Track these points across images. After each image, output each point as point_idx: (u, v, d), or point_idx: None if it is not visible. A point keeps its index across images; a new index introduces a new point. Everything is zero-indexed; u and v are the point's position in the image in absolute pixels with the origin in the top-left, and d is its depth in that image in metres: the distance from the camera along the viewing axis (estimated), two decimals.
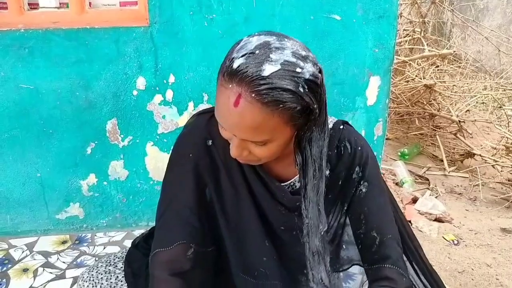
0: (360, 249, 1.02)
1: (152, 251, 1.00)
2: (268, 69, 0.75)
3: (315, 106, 0.81)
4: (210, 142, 1.00)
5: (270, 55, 0.76)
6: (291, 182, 1.03)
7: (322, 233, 0.91)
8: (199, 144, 1.00)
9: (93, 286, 1.11)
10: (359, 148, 1.00)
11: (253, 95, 0.75)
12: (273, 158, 0.90)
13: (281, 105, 0.76)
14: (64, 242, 1.87)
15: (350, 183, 1.00)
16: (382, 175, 1.11)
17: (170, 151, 1.02)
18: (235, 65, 0.76)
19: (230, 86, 0.77)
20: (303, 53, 0.78)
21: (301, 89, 0.77)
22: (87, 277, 1.17)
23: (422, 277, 1.15)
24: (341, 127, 1.01)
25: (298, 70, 0.76)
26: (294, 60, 0.76)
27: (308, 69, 0.77)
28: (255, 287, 1.04)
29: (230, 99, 0.77)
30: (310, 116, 0.82)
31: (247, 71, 0.75)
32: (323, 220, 0.91)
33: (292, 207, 1.02)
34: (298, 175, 1.02)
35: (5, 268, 1.70)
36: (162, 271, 0.96)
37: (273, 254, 1.04)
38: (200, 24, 1.70)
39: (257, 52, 0.76)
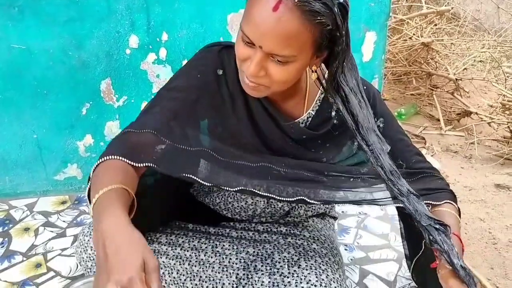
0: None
1: (123, 130, 0.98)
2: None
3: (343, 32, 0.83)
4: (220, 72, 1.02)
5: None
6: (298, 120, 1.05)
7: (387, 151, 0.95)
8: (210, 70, 1.02)
9: None
10: (365, 87, 1.01)
11: (295, 1, 0.77)
12: (282, 88, 0.91)
13: (318, 17, 0.79)
14: (63, 203, 1.90)
15: None
16: None
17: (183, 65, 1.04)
18: None
19: None
20: None
21: (336, 9, 0.80)
22: (87, 231, 1.20)
23: None
24: None
25: None
26: None
27: None
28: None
29: (269, 3, 0.78)
30: (336, 45, 0.85)
31: None
32: (384, 142, 0.95)
33: (299, 139, 1.04)
34: (302, 117, 1.04)
35: (6, 228, 1.73)
36: (122, 146, 0.93)
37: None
38: None
39: None
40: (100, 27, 1.68)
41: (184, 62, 1.76)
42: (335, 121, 1.05)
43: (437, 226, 0.89)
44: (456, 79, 3.32)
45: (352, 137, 1.02)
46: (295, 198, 0.99)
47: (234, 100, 1.03)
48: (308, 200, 0.99)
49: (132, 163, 0.90)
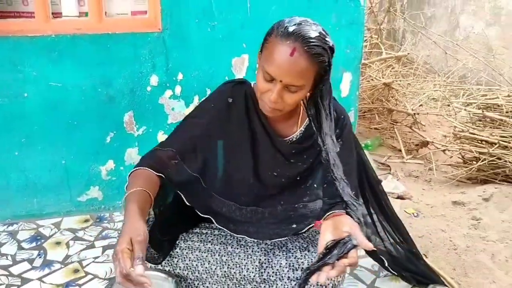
0: (325, 188, 1.36)
1: (155, 147, 1.36)
2: (313, 34, 1.12)
3: (331, 66, 1.19)
4: (230, 100, 1.36)
5: (312, 26, 1.13)
6: (290, 138, 1.39)
7: (335, 152, 1.27)
8: (223, 100, 1.37)
9: None
10: (342, 116, 1.37)
11: (305, 47, 1.12)
12: (292, 107, 1.26)
13: (320, 58, 1.14)
14: (86, 221, 2.14)
15: None
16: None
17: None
18: (290, 29, 1.12)
19: (288, 42, 1.12)
20: (327, 31, 1.17)
21: (329, 51, 1.15)
22: None
23: (379, 213, 1.64)
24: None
25: (327, 39, 1.15)
26: (324, 33, 1.15)
27: (330, 41, 1.16)
28: (232, 208, 1.39)
29: (287, 51, 1.12)
30: (325, 76, 1.20)
31: (300, 32, 1.11)
32: (336, 145, 1.28)
33: (288, 154, 1.38)
34: (295, 134, 1.39)
35: (39, 243, 1.96)
36: (150, 160, 1.30)
37: (255, 188, 1.39)
38: (204, 30, 2.03)
39: (303, 23, 1.13)
40: (126, 69, 2.01)
41: (196, 97, 2.11)
42: (316, 137, 1.37)
43: (353, 201, 1.24)
44: (414, 114, 3.80)
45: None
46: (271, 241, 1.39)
47: (240, 122, 1.38)
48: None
49: (153, 172, 1.26)
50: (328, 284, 1.29)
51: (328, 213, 1.24)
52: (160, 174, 1.27)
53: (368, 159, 1.61)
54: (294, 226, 1.37)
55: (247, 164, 1.38)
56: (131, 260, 0.99)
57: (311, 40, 1.11)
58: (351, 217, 1.20)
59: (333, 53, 1.19)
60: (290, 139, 1.39)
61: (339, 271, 1.06)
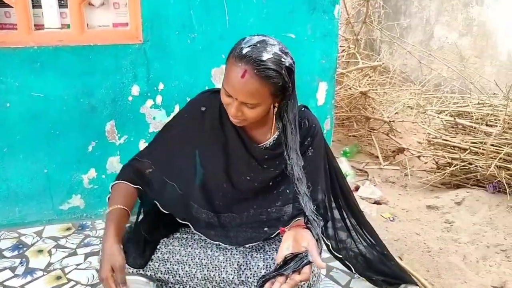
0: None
1: (134, 156, 1.47)
2: (265, 56, 1.19)
3: (290, 85, 1.25)
4: (203, 109, 1.44)
5: (267, 48, 1.20)
6: (263, 145, 1.46)
7: (300, 166, 1.33)
8: (196, 109, 1.45)
9: None
10: (314, 125, 1.45)
11: (255, 71, 1.19)
12: (256, 120, 1.32)
13: (271, 80, 1.20)
14: (68, 229, 2.17)
15: (302, 147, 1.42)
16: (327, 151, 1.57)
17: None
18: (244, 52, 1.19)
19: (240, 64, 1.19)
20: (286, 50, 1.24)
21: (283, 71, 1.21)
22: None
23: (351, 217, 1.72)
24: (303, 108, 1.47)
25: (283, 59, 1.21)
26: (280, 53, 1.21)
27: (288, 60, 1.22)
28: (209, 216, 1.46)
29: (238, 73, 1.20)
30: (286, 92, 1.27)
31: (252, 56, 1.18)
32: (300, 159, 1.34)
33: (261, 159, 1.45)
34: (268, 141, 1.46)
35: (21, 251, 1.98)
36: (129, 172, 1.42)
37: (229, 193, 1.46)
38: (184, 42, 2.09)
39: (258, 45, 1.20)
40: (108, 79, 2.06)
41: (177, 106, 2.17)
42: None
43: (314, 217, 1.29)
44: (390, 122, 3.92)
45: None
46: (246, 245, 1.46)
47: (213, 129, 1.45)
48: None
49: (131, 185, 1.40)
50: (303, 285, 1.36)
51: (295, 220, 1.34)
52: (138, 187, 1.40)
53: (340, 167, 1.69)
54: (266, 229, 1.45)
55: (220, 168, 1.45)
56: (116, 285, 1.21)
57: (262, 64, 1.18)
58: (311, 232, 1.26)
59: (292, 72, 1.25)
60: (264, 146, 1.46)
61: (291, 286, 1.15)
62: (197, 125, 1.45)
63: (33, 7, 2.03)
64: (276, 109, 1.34)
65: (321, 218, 1.30)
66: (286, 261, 1.18)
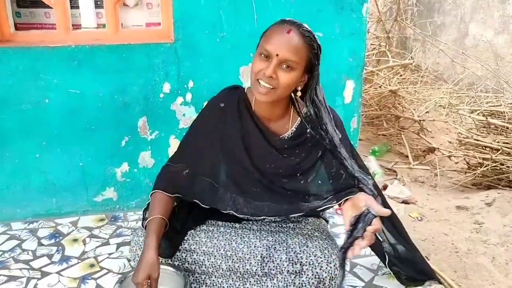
0: (332, 183, 1.50)
1: (168, 161, 1.60)
2: (306, 26, 1.36)
3: (317, 62, 1.39)
4: (222, 105, 1.54)
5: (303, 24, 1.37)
6: (282, 136, 1.53)
7: (338, 137, 1.46)
8: (215, 106, 1.55)
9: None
10: (333, 115, 1.52)
11: (300, 29, 1.34)
12: (283, 93, 1.40)
13: (312, 42, 1.35)
14: (101, 220, 2.26)
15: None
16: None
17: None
18: (287, 19, 1.36)
19: (285, 24, 1.34)
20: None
21: (316, 44, 1.37)
22: (141, 233, 1.59)
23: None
24: None
25: (316, 36, 1.37)
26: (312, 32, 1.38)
27: (318, 39, 1.38)
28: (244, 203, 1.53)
29: (284, 29, 1.33)
30: (314, 71, 1.39)
31: (295, 20, 1.36)
32: (337, 130, 1.46)
33: (280, 149, 1.51)
34: (287, 133, 1.53)
35: (58, 240, 2.08)
36: (165, 179, 1.54)
37: (259, 177, 1.53)
38: (214, 41, 2.15)
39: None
40: (141, 77, 2.13)
41: (205, 103, 2.22)
42: (308, 135, 1.52)
43: (363, 176, 1.42)
44: (420, 121, 3.87)
45: (320, 149, 1.49)
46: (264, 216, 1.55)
47: (233, 122, 1.52)
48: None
49: (168, 194, 1.52)
50: (325, 278, 1.39)
51: (344, 198, 1.42)
52: (175, 195, 1.52)
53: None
54: (307, 204, 1.51)
55: (244, 159, 1.52)
56: None
57: (304, 26, 1.35)
58: (364, 191, 1.38)
59: (320, 50, 1.38)
60: (283, 137, 1.53)
61: (369, 240, 1.25)
62: (217, 120, 1.53)
63: (71, 7, 2.14)
64: (299, 94, 1.45)
65: (370, 176, 1.41)
66: (354, 225, 1.28)
